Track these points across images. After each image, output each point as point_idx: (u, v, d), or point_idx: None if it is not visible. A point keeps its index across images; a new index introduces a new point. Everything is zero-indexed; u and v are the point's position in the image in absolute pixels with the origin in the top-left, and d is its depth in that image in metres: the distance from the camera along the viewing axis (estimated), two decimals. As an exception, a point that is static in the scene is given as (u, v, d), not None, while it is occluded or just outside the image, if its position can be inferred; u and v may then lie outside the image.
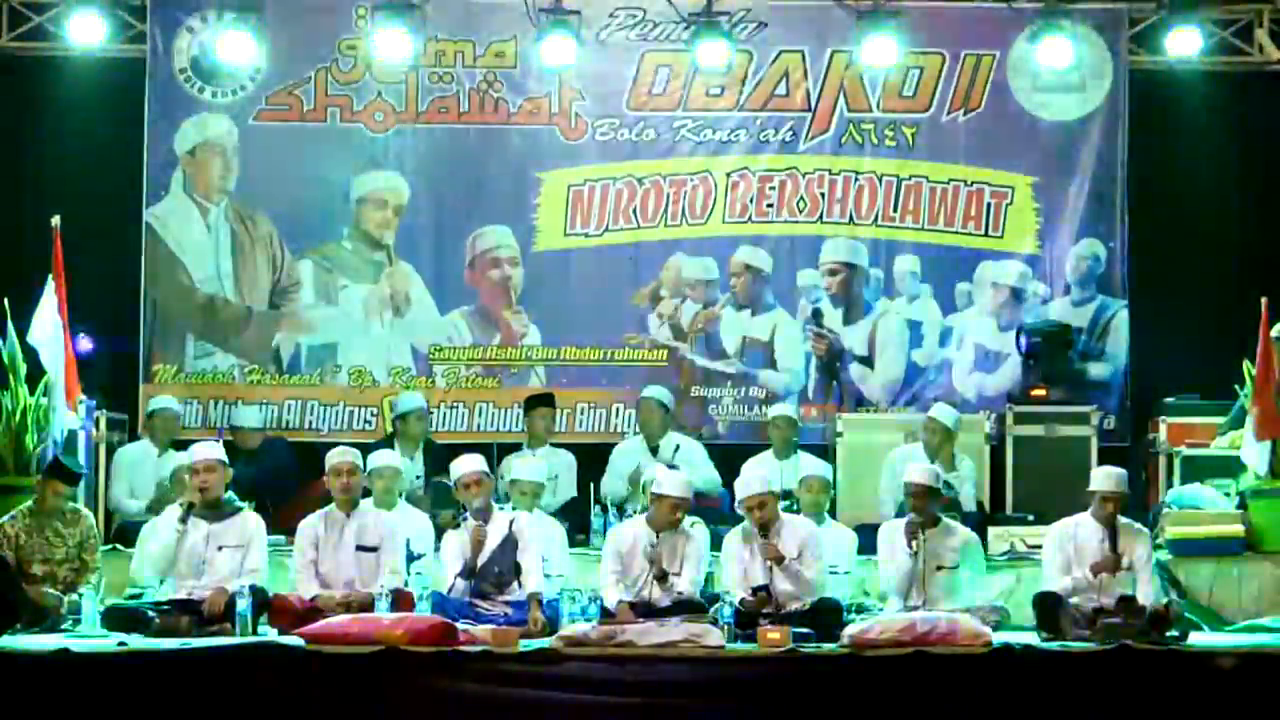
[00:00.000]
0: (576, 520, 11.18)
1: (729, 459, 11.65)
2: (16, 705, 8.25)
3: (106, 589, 9.82)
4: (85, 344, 11.59)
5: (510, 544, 9.76)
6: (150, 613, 9.39)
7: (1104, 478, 9.73)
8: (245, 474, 11.26)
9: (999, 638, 8.91)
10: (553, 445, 11.83)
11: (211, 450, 9.89)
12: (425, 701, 8.39)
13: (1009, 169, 12.85)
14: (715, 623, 8.96)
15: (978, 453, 11.86)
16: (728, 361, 12.81)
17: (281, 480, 11.44)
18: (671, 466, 10.87)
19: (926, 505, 9.80)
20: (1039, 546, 10.29)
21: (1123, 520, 9.70)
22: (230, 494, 9.94)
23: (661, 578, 9.57)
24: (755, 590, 9.49)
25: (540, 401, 11.95)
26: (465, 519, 9.82)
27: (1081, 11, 12.68)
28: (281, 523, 10.40)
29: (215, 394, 12.59)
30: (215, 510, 9.74)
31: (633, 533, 9.87)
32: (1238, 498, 10.88)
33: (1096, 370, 12.76)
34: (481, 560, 9.72)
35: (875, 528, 10.23)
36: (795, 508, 10.41)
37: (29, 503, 9.99)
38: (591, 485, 11.55)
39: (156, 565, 9.67)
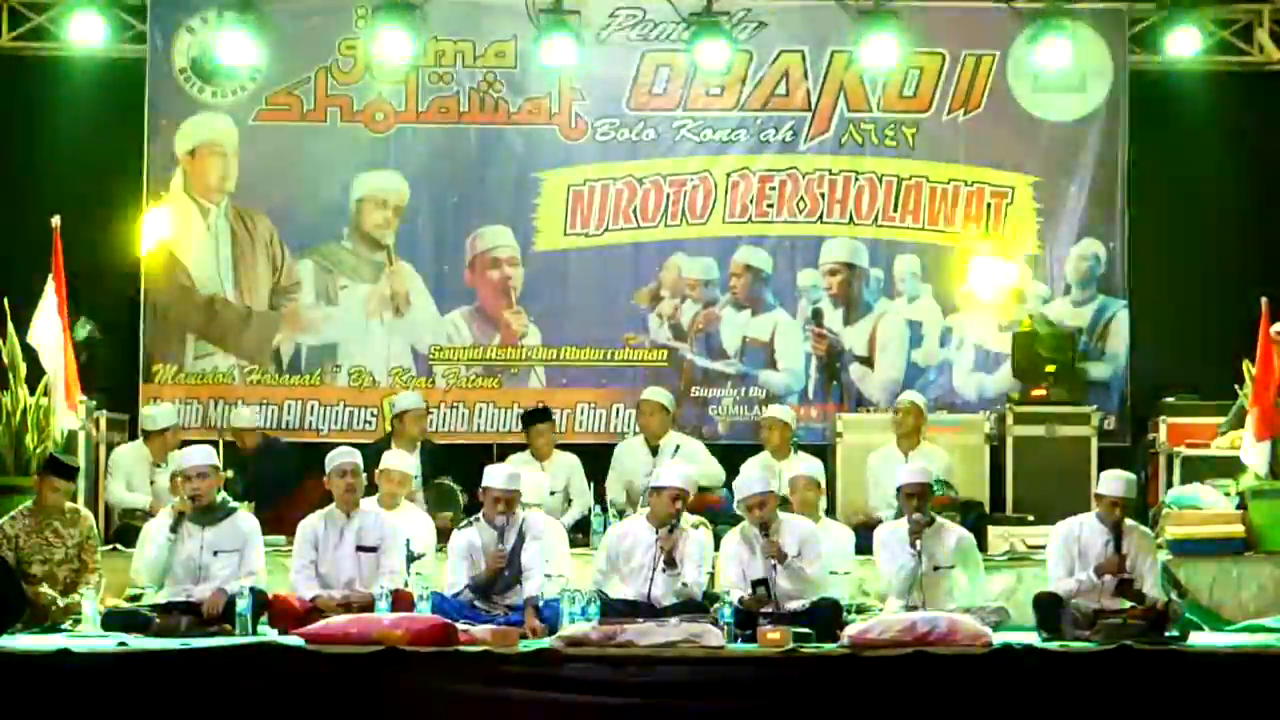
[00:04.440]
0: (578, 520, 11.22)
1: (729, 459, 11.65)
2: (16, 705, 8.24)
3: (106, 589, 9.82)
4: (83, 330, 11.61)
5: (519, 547, 9.74)
6: (149, 613, 9.39)
7: (1112, 481, 9.72)
8: (246, 475, 11.30)
9: (999, 638, 8.90)
10: (556, 447, 11.79)
11: (203, 456, 9.85)
12: (425, 701, 8.39)
13: (1009, 169, 12.85)
14: (715, 623, 8.97)
15: (978, 453, 11.89)
16: (728, 361, 12.81)
17: (282, 482, 11.42)
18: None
19: (923, 505, 9.81)
20: (1039, 546, 10.33)
21: (1127, 522, 9.70)
22: (224, 495, 9.94)
23: (670, 563, 9.56)
24: (755, 585, 9.50)
25: (538, 418, 11.83)
26: (477, 519, 9.79)
27: (1081, 11, 12.69)
28: (279, 524, 10.38)
29: (215, 394, 12.59)
30: (209, 514, 9.73)
31: (632, 530, 9.87)
32: (1238, 498, 10.89)
33: (1096, 370, 12.77)
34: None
35: (874, 527, 10.24)
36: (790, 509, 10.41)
37: (29, 503, 9.99)
38: (593, 486, 11.58)
39: (152, 572, 9.68)
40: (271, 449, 11.94)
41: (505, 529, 9.68)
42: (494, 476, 9.82)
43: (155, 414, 11.74)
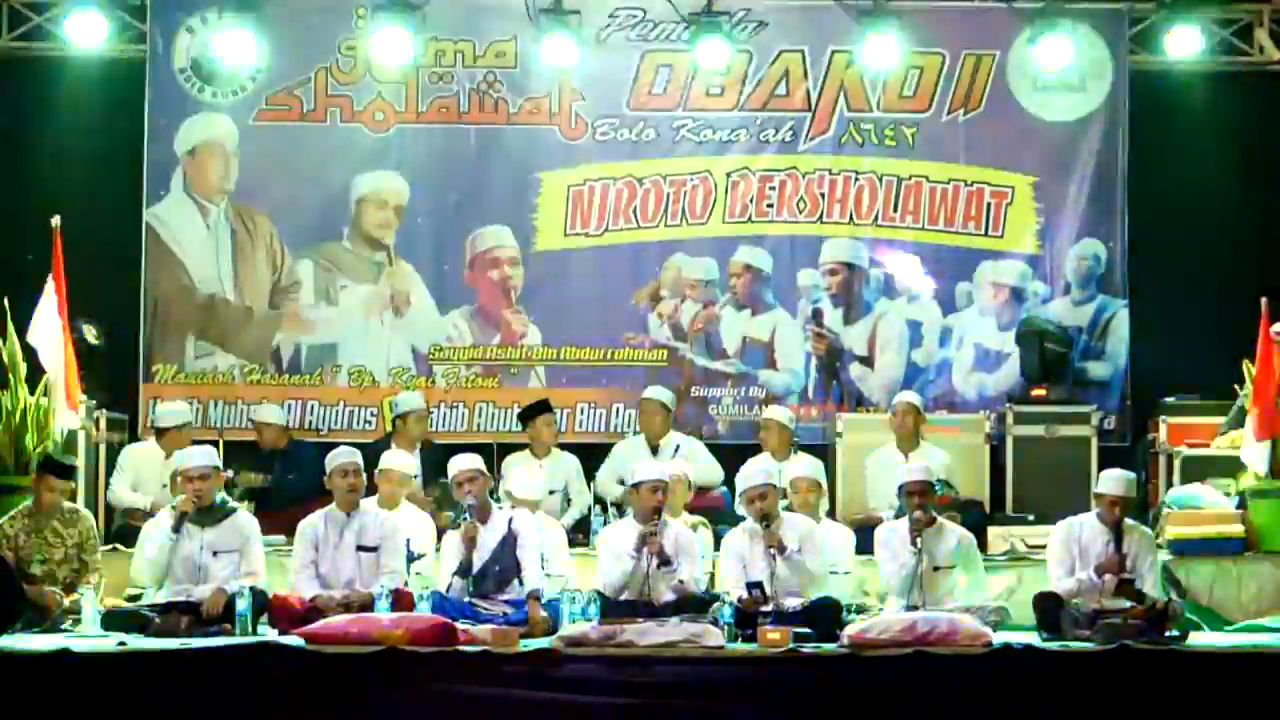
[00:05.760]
0: (578, 520, 11.22)
1: (729, 459, 11.65)
2: (16, 705, 8.24)
3: (106, 589, 9.82)
4: (91, 334, 11.62)
5: (510, 542, 9.77)
6: (149, 613, 9.40)
7: (1112, 481, 9.73)
8: (271, 475, 11.29)
9: (999, 638, 8.91)
10: (557, 447, 11.78)
11: (203, 457, 9.87)
12: (425, 701, 8.39)
13: (1009, 169, 12.86)
14: (715, 623, 8.97)
15: (978, 453, 11.89)
16: (728, 361, 12.81)
17: (309, 486, 11.36)
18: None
19: (925, 503, 9.81)
20: (1039, 546, 10.33)
21: (1127, 522, 9.72)
22: (223, 495, 9.94)
23: (665, 562, 9.57)
24: (750, 587, 9.50)
25: (539, 409, 11.85)
26: (466, 518, 9.82)
27: (1081, 11, 12.69)
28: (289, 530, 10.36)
29: (215, 394, 12.59)
30: (209, 514, 9.74)
31: (622, 533, 9.86)
32: (1238, 498, 10.89)
33: (1096, 370, 12.77)
34: (482, 559, 9.73)
35: (874, 527, 10.23)
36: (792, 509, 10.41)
37: (28, 503, 9.99)
38: (591, 485, 11.58)
39: (152, 572, 9.69)
40: (299, 451, 11.89)
41: (481, 509, 9.75)
42: (454, 465, 9.95)
43: (166, 411, 11.73)
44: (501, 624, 9.12)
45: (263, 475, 11.41)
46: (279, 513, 10.66)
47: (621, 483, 11.24)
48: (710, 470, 11.61)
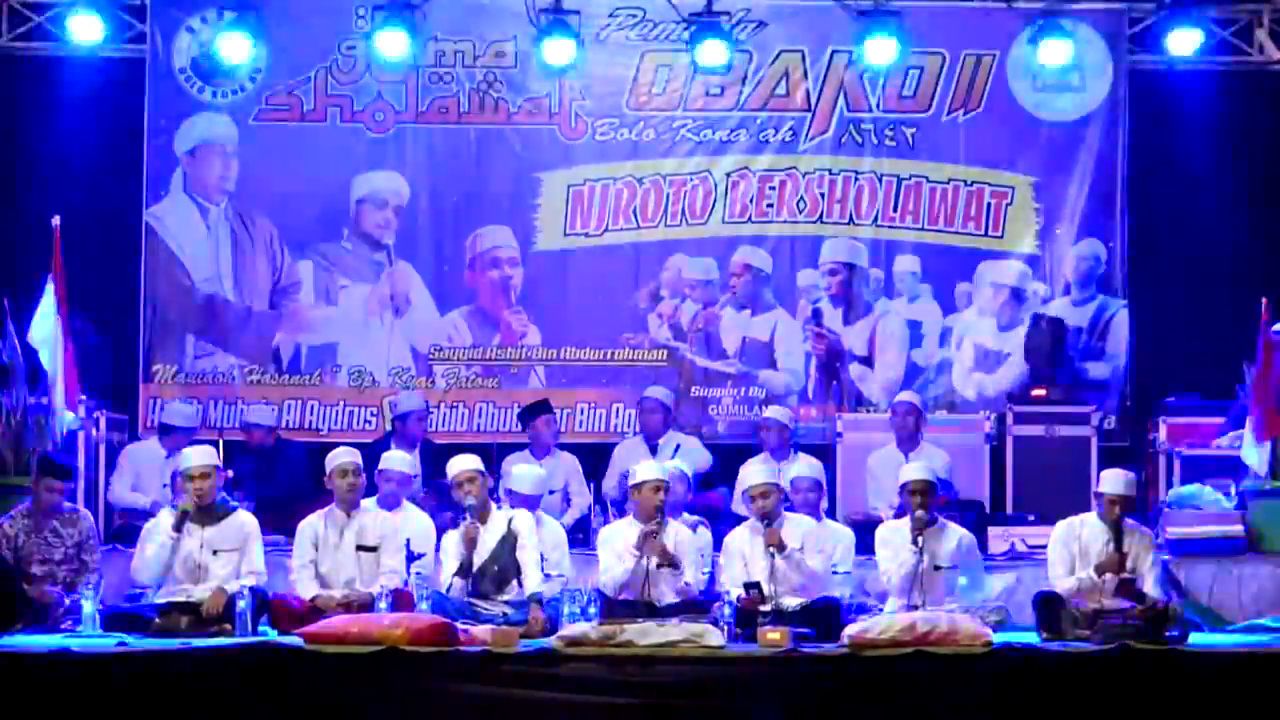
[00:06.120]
0: (578, 520, 11.21)
1: (729, 459, 11.67)
2: (16, 705, 8.24)
3: (106, 589, 9.82)
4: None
5: (509, 542, 9.77)
6: (150, 613, 9.40)
7: (1112, 480, 9.73)
8: (254, 473, 11.29)
9: (999, 638, 8.90)
10: (557, 447, 11.78)
11: (205, 456, 9.87)
12: (425, 701, 8.39)
13: (1009, 169, 12.85)
14: (715, 623, 8.97)
15: (978, 453, 11.89)
16: (728, 361, 12.81)
17: (291, 486, 11.36)
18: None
19: (927, 503, 9.80)
20: (1039, 546, 10.32)
21: (1128, 521, 9.71)
22: (223, 494, 9.94)
23: (673, 564, 9.56)
24: (747, 587, 9.49)
25: (539, 409, 11.87)
26: (466, 518, 9.82)
27: (1081, 11, 12.69)
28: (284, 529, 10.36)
29: (215, 394, 12.58)
30: (209, 514, 9.74)
31: (622, 532, 9.86)
32: (1238, 498, 10.89)
33: (1096, 370, 12.77)
34: (481, 559, 9.74)
35: (875, 527, 10.23)
36: (792, 509, 10.41)
37: (28, 503, 9.98)
38: (593, 486, 11.58)
39: (153, 571, 9.69)
40: (284, 451, 11.89)
41: (480, 509, 9.75)
42: (453, 467, 9.95)
43: (176, 411, 11.71)
44: (501, 624, 9.12)
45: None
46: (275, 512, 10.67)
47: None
48: (700, 457, 11.63)
